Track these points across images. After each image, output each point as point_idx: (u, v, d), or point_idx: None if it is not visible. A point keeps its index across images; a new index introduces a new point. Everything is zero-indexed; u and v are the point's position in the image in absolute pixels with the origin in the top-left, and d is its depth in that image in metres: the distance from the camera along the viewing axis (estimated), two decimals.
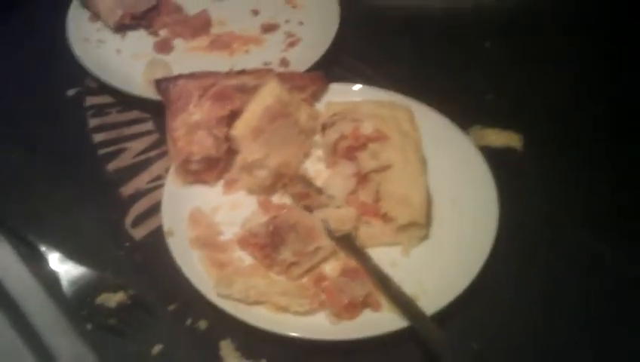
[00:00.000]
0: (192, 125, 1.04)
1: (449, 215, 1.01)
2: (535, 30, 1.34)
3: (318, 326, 0.90)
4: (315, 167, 1.08)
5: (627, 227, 1.03)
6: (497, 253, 0.94)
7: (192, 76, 1.08)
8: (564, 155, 1.12)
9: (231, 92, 1.05)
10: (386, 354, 0.89)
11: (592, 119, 1.18)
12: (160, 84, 1.07)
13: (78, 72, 1.23)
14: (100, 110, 1.20)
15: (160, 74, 1.16)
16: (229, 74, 1.10)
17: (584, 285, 0.96)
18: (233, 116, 1.05)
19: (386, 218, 0.99)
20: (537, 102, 1.20)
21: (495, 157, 1.06)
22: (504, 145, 1.12)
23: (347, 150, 1.04)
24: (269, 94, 1.05)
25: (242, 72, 1.10)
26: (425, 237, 0.99)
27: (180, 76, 1.08)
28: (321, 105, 1.14)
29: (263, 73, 1.11)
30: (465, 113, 1.12)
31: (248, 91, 1.07)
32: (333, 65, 1.23)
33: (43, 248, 0.99)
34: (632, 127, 1.16)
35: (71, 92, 1.23)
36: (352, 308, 0.90)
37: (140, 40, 1.30)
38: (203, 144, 1.03)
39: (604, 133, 1.16)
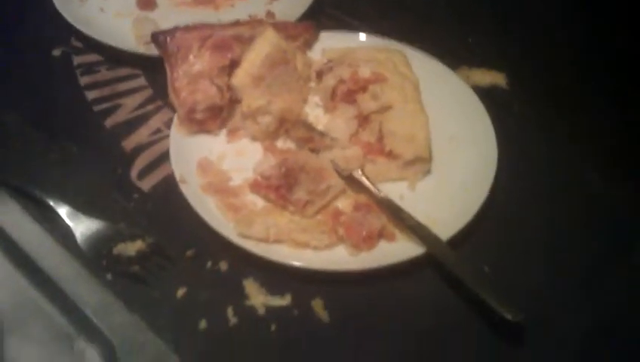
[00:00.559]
0: (194, 75, 1.05)
1: (449, 150, 1.06)
2: None
3: (338, 258, 0.94)
4: (314, 113, 1.11)
5: (614, 150, 1.11)
6: (498, 182, 1.00)
7: (188, 28, 1.09)
8: (545, 88, 1.19)
9: (229, 41, 1.08)
10: (403, 282, 0.94)
11: (569, 53, 1.26)
12: (157, 37, 1.08)
13: (61, 32, 1.22)
14: (90, 68, 1.19)
15: (148, 30, 1.17)
16: (224, 25, 1.12)
17: (577, 205, 1.03)
18: (233, 65, 1.07)
19: (390, 155, 1.03)
20: (516, 41, 1.27)
21: (483, 95, 1.12)
22: (490, 84, 1.19)
23: (347, 94, 1.07)
24: (267, 42, 1.08)
25: (237, 23, 1.12)
26: (429, 171, 1.03)
27: (176, 29, 1.09)
28: (313, 54, 1.17)
29: (256, 24, 1.13)
30: (450, 56, 1.18)
31: (244, 41, 1.09)
32: (319, 17, 1.26)
33: (52, 204, 0.98)
34: (613, 57, 1.24)
35: (56, 52, 1.22)
36: (370, 240, 0.94)
37: None
38: (207, 93, 1.05)
39: (583, 65, 1.23)
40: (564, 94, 1.18)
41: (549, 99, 1.17)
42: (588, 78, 1.21)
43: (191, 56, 1.06)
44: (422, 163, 1.02)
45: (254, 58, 1.07)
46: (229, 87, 1.06)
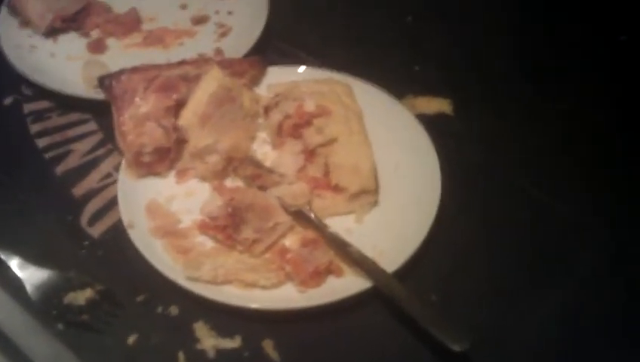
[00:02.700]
0: (139, 118, 1.06)
1: (395, 180, 1.06)
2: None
3: (286, 297, 0.94)
4: (262, 150, 1.11)
5: (552, 166, 1.12)
6: (443, 210, 1.00)
7: (134, 70, 1.10)
8: (490, 113, 1.20)
9: (175, 82, 1.08)
10: (353, 316, 0.94)
11: (510, 77, 1.26)
12: (103, 81, 1.09)
13: (12, 81, 1.23)
14: (40, 115, 1.19)
15: (97, 73, 1.17)
16: (171, 65, 1.13)
17: (522, 227, 1.04)
18: (179, 106, 1.08)
19: (337, 189, 1.03)
20: (461, 68, 1.28)
21: (429, 123, 1.12)
22: (436, 111, 1.19)
23: (293, 128, 1.08)
24: (212, 81, 1.09)
25: (183, 63, 1.13)
26: (375, 203, 1.04)
27: (122, 71, 1.09)
28: (260, 89, 1.18)
29: (202, 62, 1.14)
30: (396, 85, 1.18)
31: (191, 80, 1.10)
32: (267, 51, 1.27)
33: (2, 255, 0.99)
34: (552, 77, 1.26)
35: (7, 101, 1.22)
36: (317, 276, 0.94)
37: (72, 42, 1.30)
38: (153, 135, 1.05)
39: (524, 87, 1.24)
40: (510, 118, 1.19)
41: (492, 122, 1.18)
42: (533, 100, 1.22)
43: (137, 99, 1.06)
44: (368, 195, 1.02)
45: (200, 97, 1.08)
46: (176, 128, 1.07)
